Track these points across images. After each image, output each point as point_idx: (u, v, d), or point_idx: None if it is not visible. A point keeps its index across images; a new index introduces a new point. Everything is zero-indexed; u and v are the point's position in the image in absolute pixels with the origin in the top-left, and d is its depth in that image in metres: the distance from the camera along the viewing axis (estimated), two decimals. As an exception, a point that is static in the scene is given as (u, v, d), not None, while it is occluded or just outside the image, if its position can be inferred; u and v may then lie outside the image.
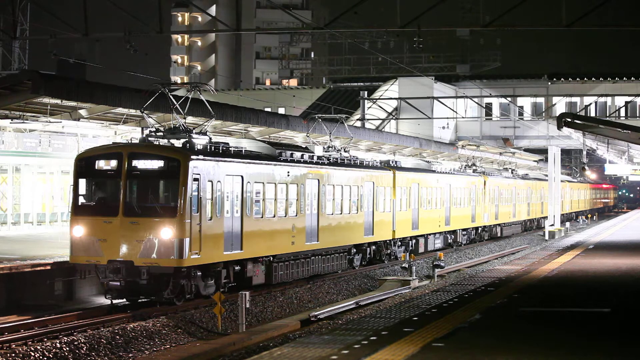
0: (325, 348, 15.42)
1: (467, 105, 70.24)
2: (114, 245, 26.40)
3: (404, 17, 30.38)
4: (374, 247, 42.65)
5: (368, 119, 62.38)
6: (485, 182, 62.58)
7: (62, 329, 23.29)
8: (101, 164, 27.06)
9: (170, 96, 29.00)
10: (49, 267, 28.43)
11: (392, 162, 46.77)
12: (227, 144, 30.17)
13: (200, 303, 27.63)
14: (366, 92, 66.35)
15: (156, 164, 26.74)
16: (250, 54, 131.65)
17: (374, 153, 55.07)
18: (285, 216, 32.84)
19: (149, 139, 27.93)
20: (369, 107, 64.42)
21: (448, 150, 66.58)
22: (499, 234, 68.42)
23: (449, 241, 55.36)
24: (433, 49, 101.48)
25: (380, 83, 75.12)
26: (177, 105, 29.11)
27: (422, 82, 68.59)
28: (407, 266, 39.03)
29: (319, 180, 35.50)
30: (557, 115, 46.91)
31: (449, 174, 55.24)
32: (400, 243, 46.16)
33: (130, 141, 28.97)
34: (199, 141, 28.18)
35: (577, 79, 71.08)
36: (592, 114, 68.04)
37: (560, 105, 67.57)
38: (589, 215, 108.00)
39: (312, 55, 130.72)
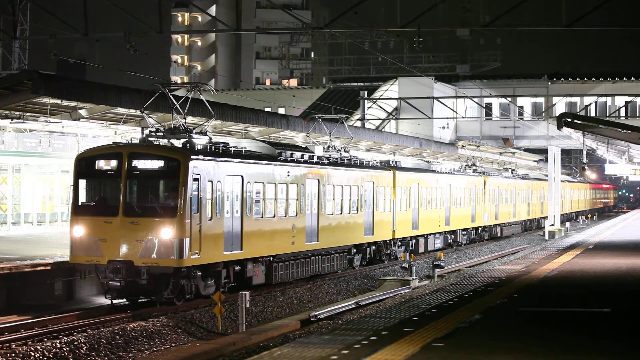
0: (325, 348, 15.42)
1: (467, 105, 70.24)
2: (114, 245, 26.40)
3: (404, 17, 30.41)
4: (374, 247, 42.64)
5: (368, 119, 62.37)
6: (485, 182, 62.57)
7: (62, 329, 23.28)
8: (101, 164, 27.06)
9: (170, 96, 28.99)
10: (49, 267, 28.43)
11: (392, 162, 46.76)
12: (227, 144, 30.16)
13: (200, 303, 27.62)
14: (366, 92, 66.34)
15: (156, 164, 26.73)
16: (250, 54, 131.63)
17: (374, 153, 55.06)
18: (285, 216, 32.84)
19: (149, 139, 27.93)
20: (369, 107, 64.42)
21: (448, 150, 66.58)
22: (499, 234, 68.41)
23: (449, 241, 55.35)
24: (433, 49, 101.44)
25: (380, 83, 75.12)
26: (177, 105, 29.10)
27: (422, 82, 68.59)
28: (407, 266, 39.02)
29: (319, 180, 35.50)
30: (557, 115, 46.90)
31: (449, 174, 55.24)
32: (400, 243, 46.15)
33: (130, 141, 28.97)
34: (199, 141, 28.18)
35: (577, 79, 71.09)
36: (592, 114, 68.04)
37: (560, 105, 67.57)
38: (589, 215, 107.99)
39: (312, 55, 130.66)
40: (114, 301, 27.06)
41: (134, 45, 30.89)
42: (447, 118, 67.73)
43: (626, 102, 67.71)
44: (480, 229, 62.70)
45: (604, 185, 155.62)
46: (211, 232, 27.54)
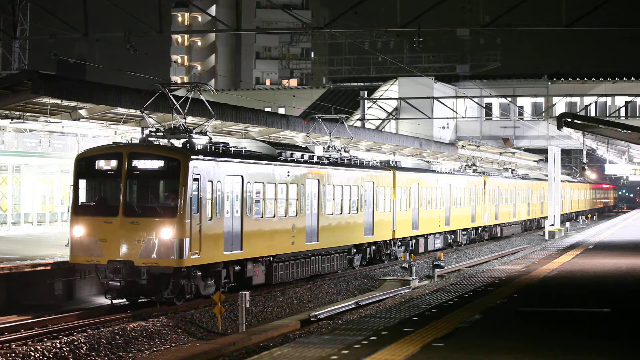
0: (325, 348, 15.43)
1: (467, 105, 70.24)
2: (114, 245, 26.40)
3: (404, 17, 30.42)
4: (374, 247, 42.64)
5: (368, 119, 62.37)
6: (485, 182, 62.57)
7: (62, 329, 23.29)
8: (101, 164, 27.06)
9: (170, 96, 28.99)
10: (49, 267, 28.43)
11: (392, 162, 46.76)
12: (227, 144, 30.16)
13: (200, 303, 27.62)
14: (366, 92, 66.34)
15: (156, 164, 26.74)
16: (250, 54, 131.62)
17: (374, 153, 55.06)
18: (285, 216, 32.84)
19: (149, 139, 27.93)
20: (369, 107, 64.42)
21: (448, 150, 66.58)
22: (499, 234, 68.41)
23: (449, 241, 55.34)
24: (433, 49, 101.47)
25: (380, 83, 75.12)
26: (177, 105, 29.10)
27: (422, 82, 68.59)
28: (407, 266, 39.02)
29: (319, 180, 35.50)
30: (557, 115, 46.90)
31: (449, 174, 55.24)
32: (400, 243, 46.15)
33: (130, 141, 28.98)
34: (199, 141, 28.18)
35: (577, 79, 71.11)
36: (592, 114, 68.05)
37: (560, 105, 67.57)
38: (589, 215, 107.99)
39: (312, 55, 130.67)
40: (114, 301, 27.06)
41: (134, 45, 30.91)
42: (447, 118, 67.73)
43: (626, 102, 67.71)
44: (480, 229, 62.70)
45: (604, 185, 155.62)
46: (211, 232, 27.54)
